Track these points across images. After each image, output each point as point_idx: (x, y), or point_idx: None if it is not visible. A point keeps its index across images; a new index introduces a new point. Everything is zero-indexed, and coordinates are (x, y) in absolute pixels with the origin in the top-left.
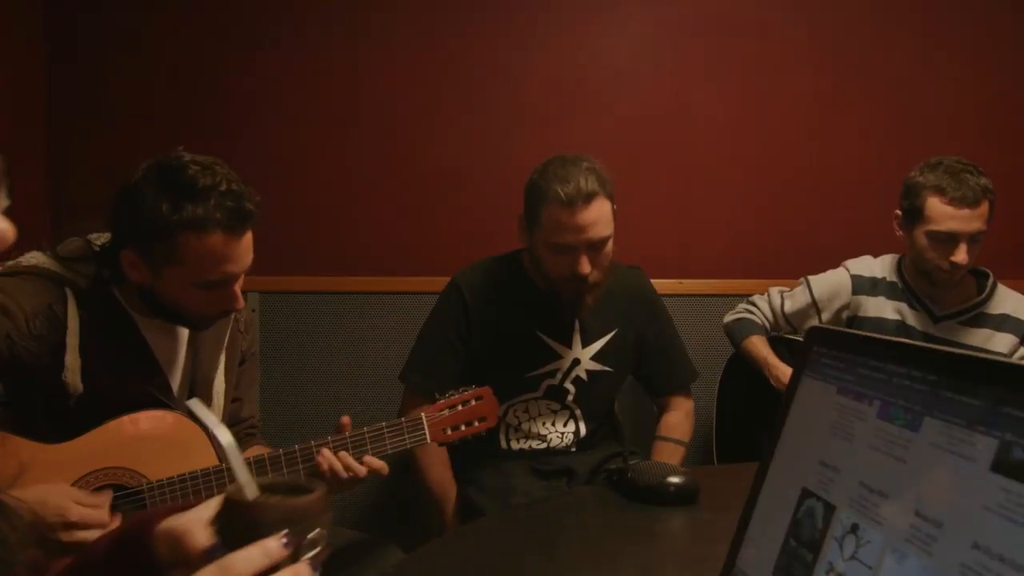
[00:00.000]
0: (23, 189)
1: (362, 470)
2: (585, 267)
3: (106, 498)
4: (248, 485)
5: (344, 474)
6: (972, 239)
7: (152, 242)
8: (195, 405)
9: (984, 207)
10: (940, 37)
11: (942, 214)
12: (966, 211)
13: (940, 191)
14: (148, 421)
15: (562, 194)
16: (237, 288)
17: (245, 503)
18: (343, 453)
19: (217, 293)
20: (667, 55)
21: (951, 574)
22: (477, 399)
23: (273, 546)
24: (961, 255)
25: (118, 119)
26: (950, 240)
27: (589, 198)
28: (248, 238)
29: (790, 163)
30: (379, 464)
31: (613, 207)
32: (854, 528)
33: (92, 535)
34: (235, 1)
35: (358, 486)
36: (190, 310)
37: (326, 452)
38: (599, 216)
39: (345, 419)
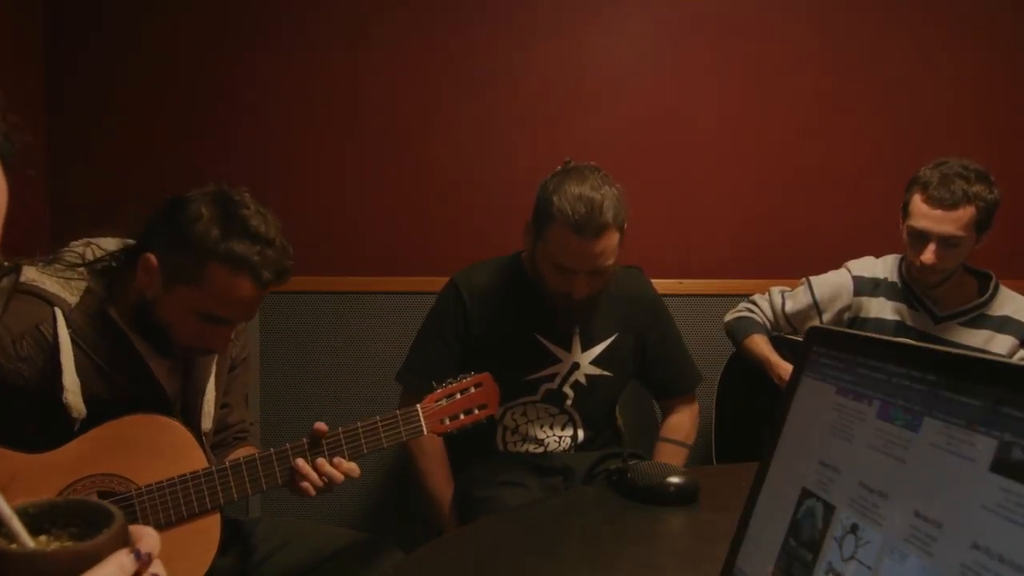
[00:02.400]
0: (23, 189)
1: (339, 475)
2: (580, 292)
3: None
4: (20, 534)
5: (319, 482)
6: (944, 242)
7: (183, 256)
8: None
9: (963, 213)
10: (940, 37)
11: (917, 211)
12: (939, 212)
13: (924, 188)
14: (135, 426)
15: (573, 220)
16: (229, 334)
17: (14, 555)
18: (320, 460)
19: (212, 330)
20: (667, 55)
21: (951, 574)
22: (476, 386)
23: None
24: (928, 255)
25: (118, 120)
26: (922, 238)
27: (600, 231)
28: (266, 294)
29: (790, 163)
30: (348, 466)
31: (622, 236)
32: (854, 528)
33: None
34: (235, 1)
35: (336, 487)
36: (177, 336)
37: (300, 461)
38: (606, 248)
39: (319, 425)
